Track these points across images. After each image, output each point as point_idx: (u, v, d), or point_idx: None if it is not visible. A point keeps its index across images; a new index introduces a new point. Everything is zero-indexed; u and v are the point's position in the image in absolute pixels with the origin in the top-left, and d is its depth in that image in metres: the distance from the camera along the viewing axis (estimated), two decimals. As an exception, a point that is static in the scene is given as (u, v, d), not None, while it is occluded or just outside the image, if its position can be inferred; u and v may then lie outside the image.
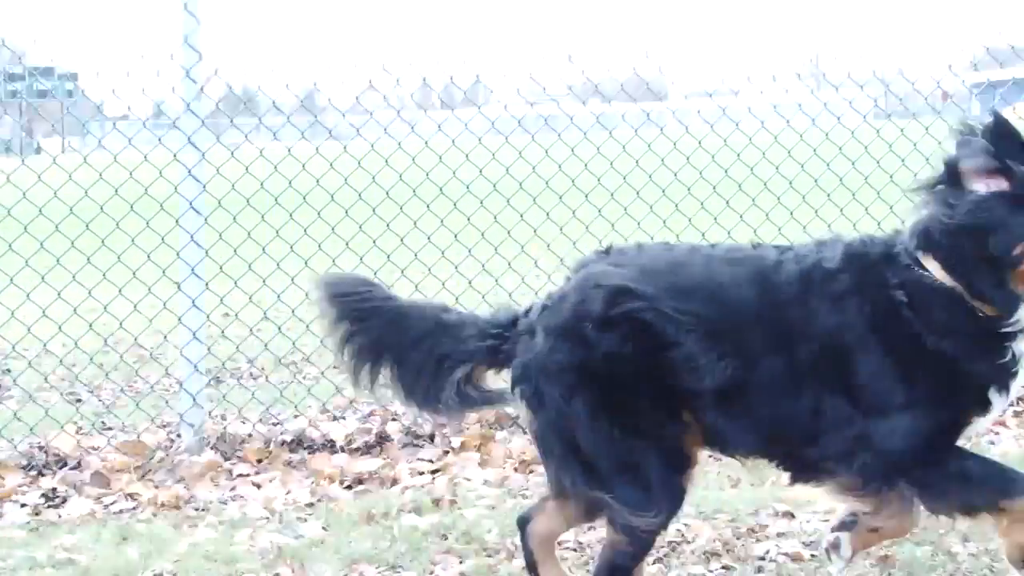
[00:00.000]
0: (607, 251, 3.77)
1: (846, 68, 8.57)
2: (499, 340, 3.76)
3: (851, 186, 7.61)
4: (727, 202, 7.18)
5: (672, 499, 3.64)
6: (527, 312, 3.78)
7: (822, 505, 4.77)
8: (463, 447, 6.04)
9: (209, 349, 6.69)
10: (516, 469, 5.76)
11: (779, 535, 4.63)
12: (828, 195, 7.24)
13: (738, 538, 4.59)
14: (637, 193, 7.08)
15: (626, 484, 3.58)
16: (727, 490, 5.23)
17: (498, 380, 3.85)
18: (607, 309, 3.57)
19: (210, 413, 6.43)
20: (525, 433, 6.26)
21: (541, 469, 5.74)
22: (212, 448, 6.00)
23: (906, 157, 7.51)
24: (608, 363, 3.56)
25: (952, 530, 4.56)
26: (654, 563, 3.94)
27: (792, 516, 4.80)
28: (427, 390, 3.83)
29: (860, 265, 3.55)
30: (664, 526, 3.71)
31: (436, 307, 3.97)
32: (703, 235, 7.22)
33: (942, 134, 7.54)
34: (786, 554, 4.42)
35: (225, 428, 6.16)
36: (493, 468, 5.77)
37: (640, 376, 3.56)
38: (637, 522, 3.59)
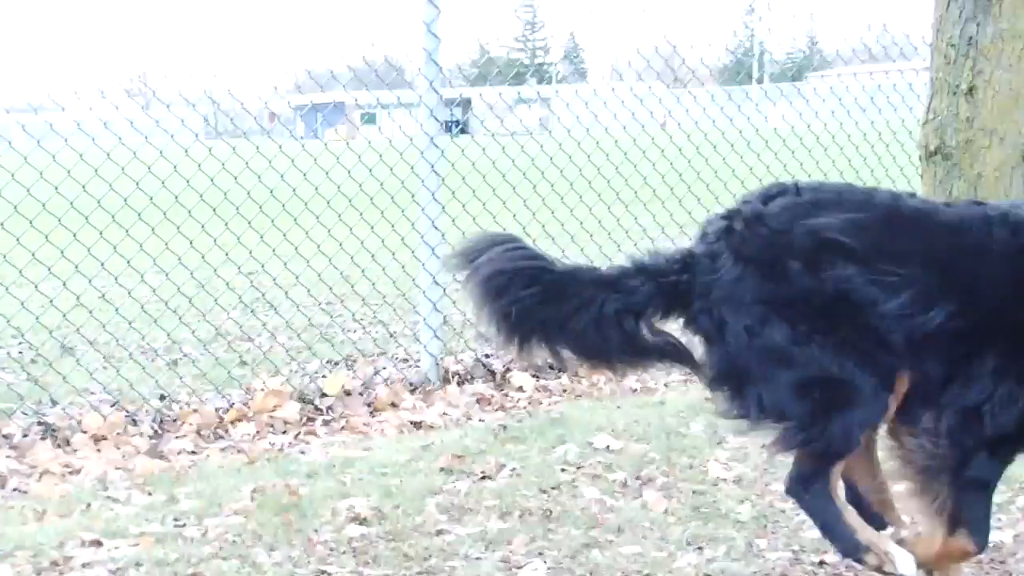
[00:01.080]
0: (796, 187, 3.49)
1: (176, 87, 8.56)
2: (676, 275, 3.47)
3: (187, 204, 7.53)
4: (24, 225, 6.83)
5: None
6: (702, 238, 3.51)
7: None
8: None
9: None
10: None
11: (84, 566, 4.42)
12: (139, 214, 7.11)
13: (40, 573, 4.34)
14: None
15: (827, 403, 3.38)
16: (30, 524, 4.92)
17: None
18: (813, 251, 3.33)
19: None
20: None
21: None
22: None
23: (239, 175, 7.63)
24: (808, 298, 3.35)
25: (259, 542, 4.64)
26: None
27: (100, 544, 4.61)
28: (599, 350, 3.59)
29: None
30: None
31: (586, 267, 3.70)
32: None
33: (272, 153, 7.81)
34: (91, 585, 4.24)
35: None
36: None
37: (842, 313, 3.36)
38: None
